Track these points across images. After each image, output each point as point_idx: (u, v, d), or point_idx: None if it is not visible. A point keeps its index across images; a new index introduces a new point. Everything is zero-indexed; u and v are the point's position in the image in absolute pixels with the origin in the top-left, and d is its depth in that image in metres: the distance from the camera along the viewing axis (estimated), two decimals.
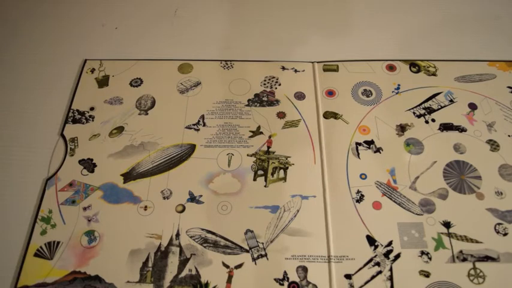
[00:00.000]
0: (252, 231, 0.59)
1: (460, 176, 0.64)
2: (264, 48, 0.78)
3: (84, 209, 0.61)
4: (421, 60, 0.75)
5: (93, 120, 0.69)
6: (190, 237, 0.59)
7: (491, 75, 0.74)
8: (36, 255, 0.58)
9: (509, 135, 0.67)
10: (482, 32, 0.81)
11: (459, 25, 0.82)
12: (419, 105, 0.70)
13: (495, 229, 0.60)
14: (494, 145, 0.66)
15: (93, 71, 0.74)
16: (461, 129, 0.68)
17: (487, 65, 0.75)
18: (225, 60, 0.75)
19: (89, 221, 0.61)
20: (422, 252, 0.58)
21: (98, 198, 0.62)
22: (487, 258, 0.57)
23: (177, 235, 0.59)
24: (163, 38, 0.80)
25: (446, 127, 0.68)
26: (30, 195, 0.63)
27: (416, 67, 0.74)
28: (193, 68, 0.75)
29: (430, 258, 0.58)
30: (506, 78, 0.73)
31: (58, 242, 0.59)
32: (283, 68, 0.74)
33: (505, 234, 0.59)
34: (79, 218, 0.61)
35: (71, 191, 0.63)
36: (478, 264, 0.57)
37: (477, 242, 0.59)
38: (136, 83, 0.73)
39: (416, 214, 0.61)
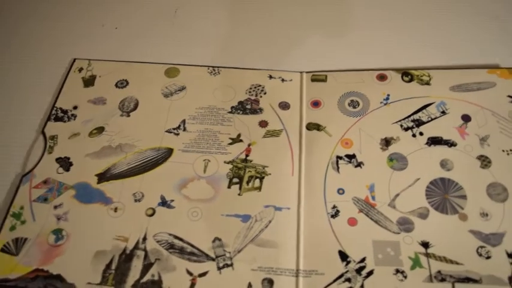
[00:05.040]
0: (220, 240, 0.58)
1: (443, 195, 0.61)
2: (252, 56, 0.77)
3: (55, 207, 0.61)
4: (415, 69, 0.72)
5: (74, 119, 0.69)
6: (157, 241, 0.58)
7: (490, 84, 0.70)
8: (2, 250, 0.58)
9: (503, 150, 0.64)
10: (482, 37, 0.78)
11: (457, 30, 0.79)
12: (408, 117, 0.68)
13: (477, 252, 0.56)
14: (485, 161, 0.63)
15: (80, 70, 0.75)
16: (450, 144, 0.65)
17: (486, 73, 0.71)
18: (213, 66, 0.75)
19: (59, 219, 0.60)
20: (397, 271, 0.55)
21: (70, 197, 0.62)
22: (468, 280, 0.54)
23: (144, 239, 0.58)
24: (154, 42, 0.80)
25: (434, 141, 0.65)
26: (4, 190, 0.63)
27: (409, 76, 0.72)
28: (180, 72, 0.74)
29: (405, 277, 0.55)
30: (507, 87, 0.69)
31: (25, 239, 0.58)
32: (270, 77, 0.73)
33: (488, 258, 0.56)
34: (49, 215, 0.60)
35: (44, 188, 0.62)
36: (457, 286, 0.54)
37: (457, 263, 0.56)
38: (122, 84, 0.73)
39: (393, 232, 0.58)
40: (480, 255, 0.56)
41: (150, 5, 0.87)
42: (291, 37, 0.80)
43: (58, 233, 0.59)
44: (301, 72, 0.73)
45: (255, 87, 0.71)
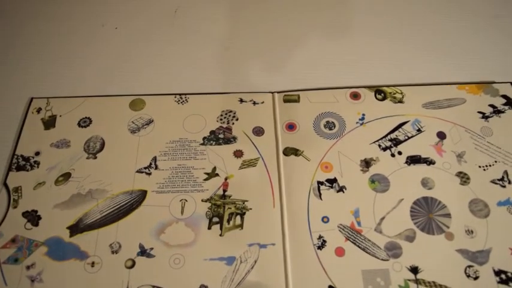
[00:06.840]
0: (206, 287, 0.56)
1: (428, 214, 0.60)
2: (221, 79, 0.73)
3: (28, 267, 0.57)
4: (387, 86, 0.71)
5: (38, 167, 0.65)
6: None
7: (460, 100, 0.70)
8: None
9: (479, 166, 0.64)
10: (451, 53, 0.77)
11: (427, 46, 0.78)
12: (385, 136, 0.66)
13: (465, 272, 0.56)
14: (464, 178, 0.63)
15: (39, 110, 0.70)
16: (429, 162, 0.64)
17: (456, 89, 0.71)
18: (180, 94, 0.71)
19: (33, 281, 0.56)
20: None
21: (42, 255, 0.58)
22: None
23: None
24: (115, 72, 0.75)
25: (413, 160, 0.64)
26: None
27: (382, 94, 0.70)
28: (145, 104, 0.70)
29: None
30: (477, 103, 0.70)
31: None
32: (241, 101, 0.70)
33: (476, 278, 0.56)
34: (22, 278, 0.57)
35: (13, 247, 0.59)
36: None
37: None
38: (84, 123, 0.68)
39: (382, 260, 0.57)
40: (468, 276, 0.56)
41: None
42: (259, 55, 0.77)
43: None
44: (272, 93, 0.71)
45: (226, 114, 0.68)
